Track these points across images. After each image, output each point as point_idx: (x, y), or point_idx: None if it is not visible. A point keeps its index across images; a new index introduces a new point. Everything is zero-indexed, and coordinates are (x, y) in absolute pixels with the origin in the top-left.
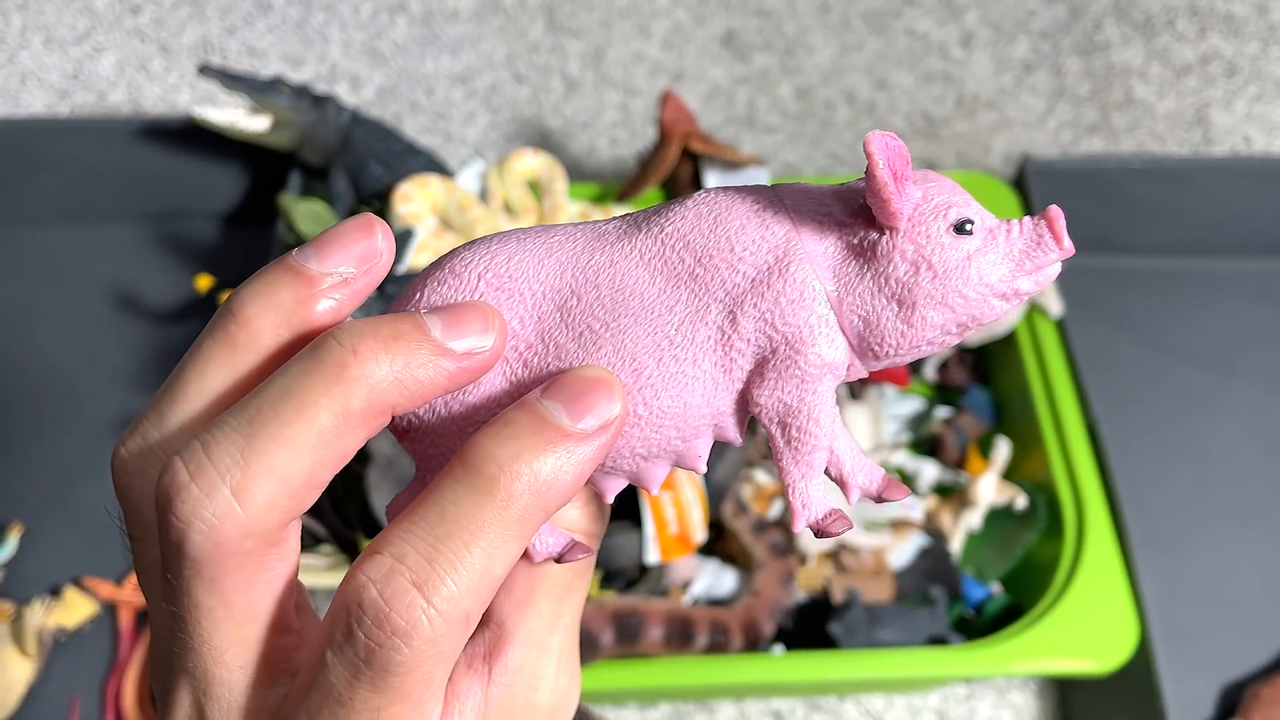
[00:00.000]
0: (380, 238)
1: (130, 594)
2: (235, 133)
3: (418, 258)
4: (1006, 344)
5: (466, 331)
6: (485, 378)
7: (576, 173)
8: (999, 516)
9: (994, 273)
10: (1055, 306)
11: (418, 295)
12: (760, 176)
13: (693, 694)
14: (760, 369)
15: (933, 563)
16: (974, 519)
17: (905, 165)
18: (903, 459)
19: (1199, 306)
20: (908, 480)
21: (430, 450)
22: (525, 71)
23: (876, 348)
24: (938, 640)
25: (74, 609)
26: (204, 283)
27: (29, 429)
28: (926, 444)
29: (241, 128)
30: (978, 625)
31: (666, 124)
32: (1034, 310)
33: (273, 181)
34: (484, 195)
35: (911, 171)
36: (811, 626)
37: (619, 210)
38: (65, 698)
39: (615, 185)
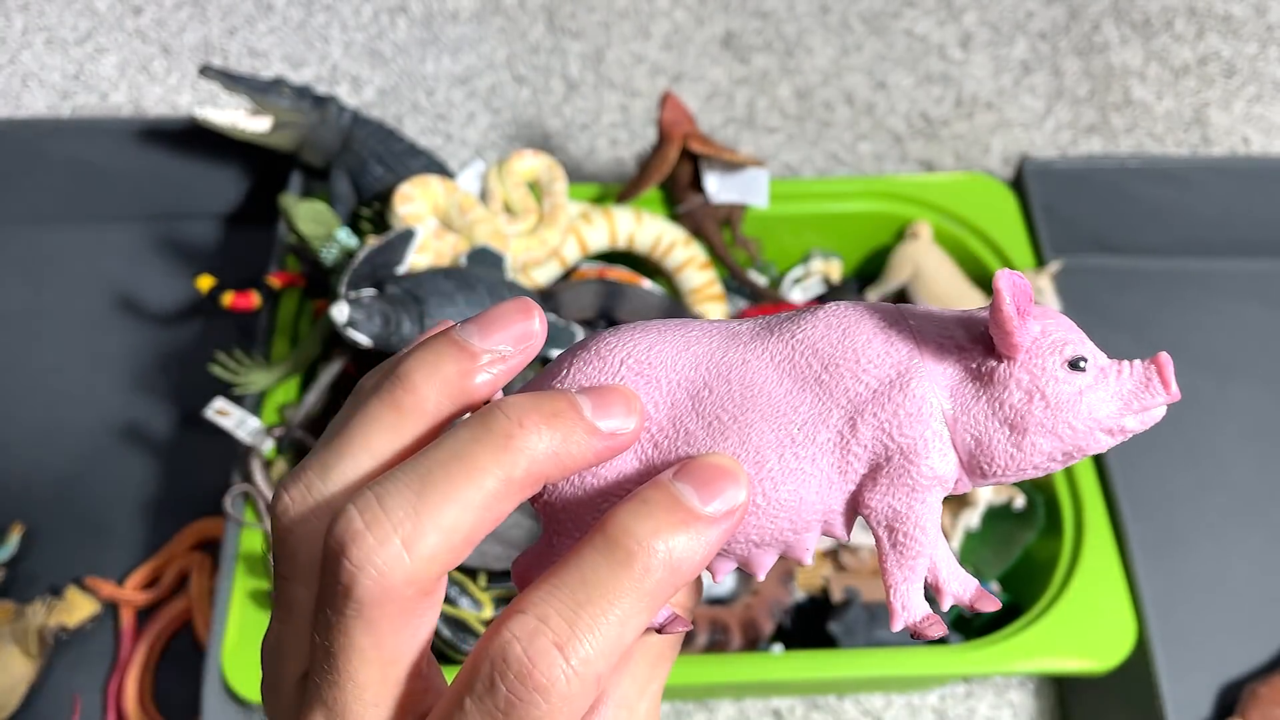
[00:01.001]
0: (537, 321)
1: (131, 594)
2: (236, 133)
3: (418, 258)
4: None
5: (613, 413)
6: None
7: (577, 173)
8: (997, 516)
9: (1102, 409)
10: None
11: (564, 372)
12: (760, 177)
13: (692, 693)
14: (874, 474)
15: None
16: (972, 518)
17: (1028, 301)
18: None
19: (1197, 306)
20: None
21: (561, 516)
22: (525, 72)
23: (985, 466)
24: (937, 639)
25: (75, 608)
26: (205, 283)
27: (30, 428)
28: None
29: (243, 128)
30: (976, 624)
31: (666, 125)
32: None
33: (274, 182)
34: (484, 196)
35: (1033, 307)
36: (811, 625)
37: (619, 211)
38: (67, 697)
39: (615, 186)
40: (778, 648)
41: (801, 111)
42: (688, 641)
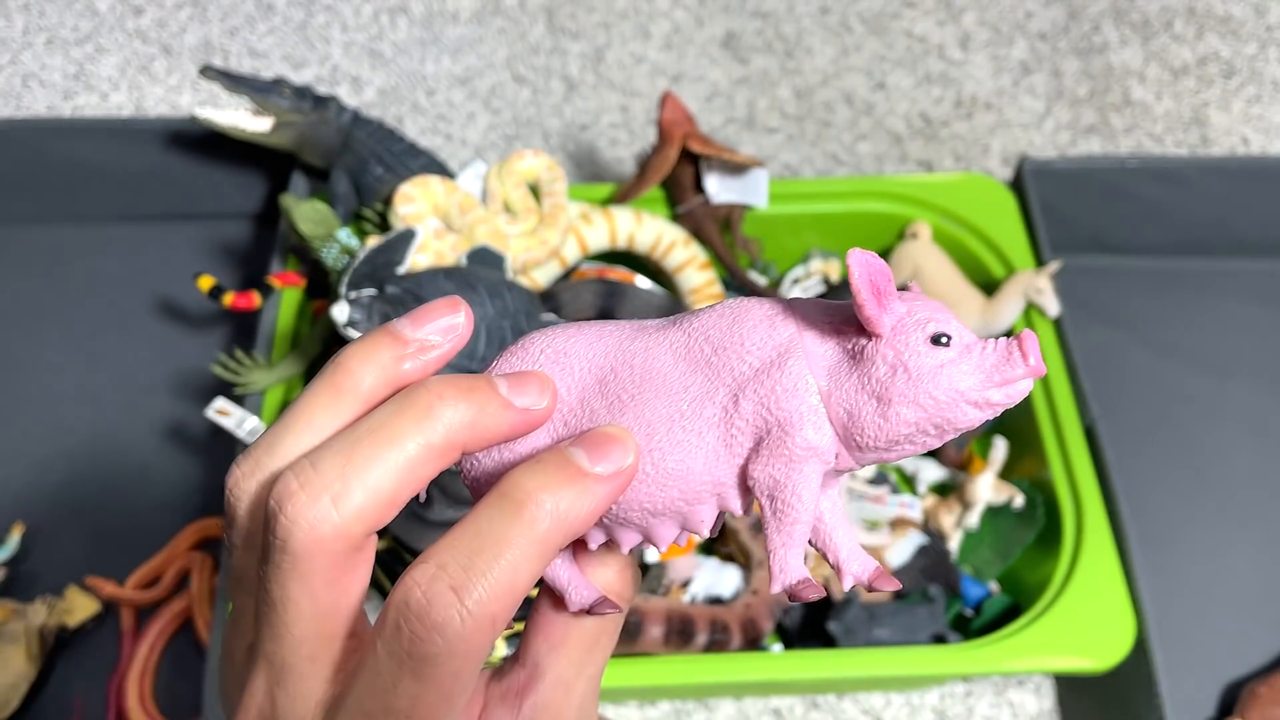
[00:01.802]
0: (463, 315)
1: (132, 593)
2: (237, 134)
3: (418, 258)
4: None
5: (527, 392)
6: (534, 432)
7: (577, 174)
8: (997, 516)
9: (965, 381)
10: (1053, 307)
11: (494, 364)
12: (760, 177)
13: (692, 692)
14: (757, 448)
15: (931, 562)
16: (972, 518)
17: (886, 280)
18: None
19: (1196, 306)
20: (906, 480)
21: (483, 489)
22: (525, 73)
23: (858, 437)
24: (936, 639)
25: (76, 608)
26: (205, 283)
27: (30, 428)
28: None
29: (243, 128)
30: (976, 624)
31: (666, 125)
32: (1032, 310)
33: (275, 182)
34: (485, 196)
35: (896, 289)
36: (810, 625)
37: (619, 211)
38: (68, 697)
39: (615, 186)
40: (777, 647)
41: (801, 112)
42: (688, 641)
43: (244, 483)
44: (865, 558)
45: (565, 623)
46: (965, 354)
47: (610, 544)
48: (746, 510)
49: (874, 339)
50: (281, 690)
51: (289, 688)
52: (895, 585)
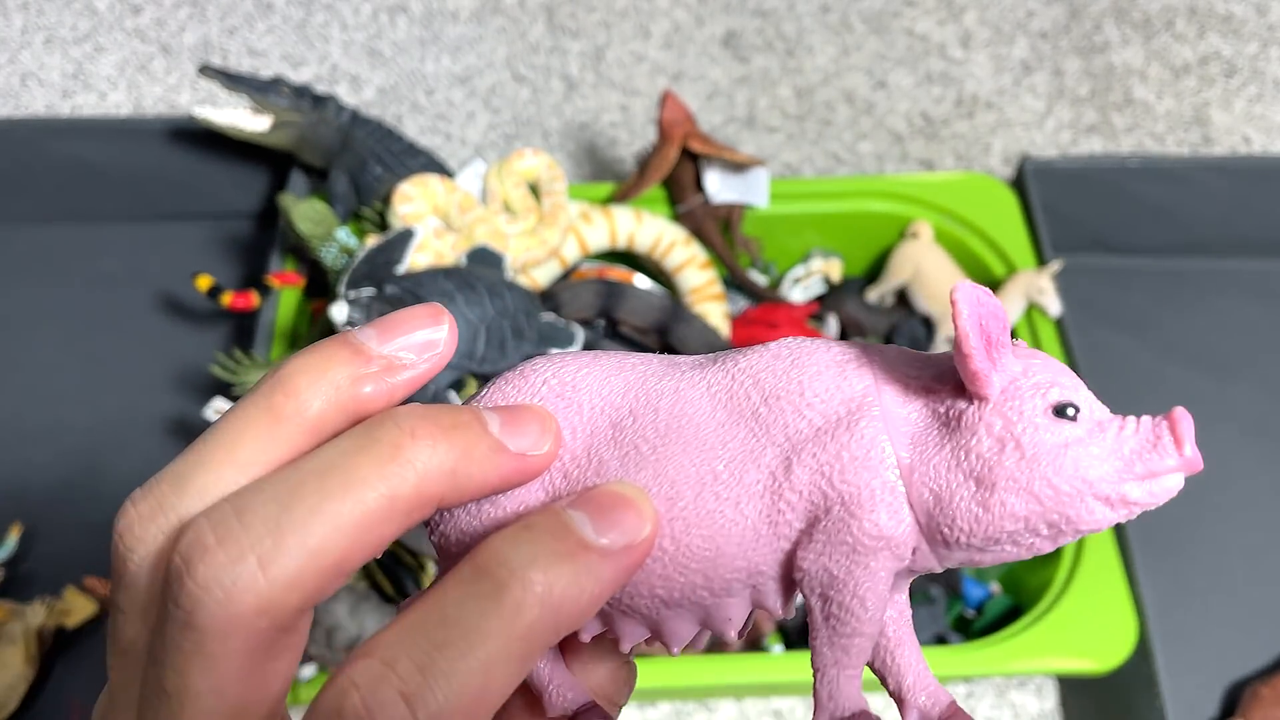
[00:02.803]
0: (446, 329)
1: None
2: (236, 133)
3: (417, 257)
4: None
5: (525, 432)
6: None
7: (577, 173)
8: None
9: (1095, 469)
10: (1054, 306)
11: (485, 392)
12: (761, 176)
13: (692, 693)
14: (810, 530)
15: None
16: None
17: (1001, 328)
18: None
19: (1198, 306)
20: None
21: (455, 553)
22: (525, 72)
23: (946, 530)
24: (937, 639)
25: (75, 609)
26: (204, 282)
27: (29, 428)
28: None
29: (242, 128)
30: (977, 625)
31: (666, 124)
32: (1033, 310)
33: (274, 181)
34: (484, 195)
35: (1012, 342)
36: None
37: (619, 211)
38: (65, 699)
39: (615, 186)
40: (778, 647)
41: (802, 111)
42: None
43: (139, 526)
44: (937, 688)
45: None
46: (1097, 432)
47: (607, 635)
48: (788, 611)
49: (977, 403)
50: None
51: None
52: None
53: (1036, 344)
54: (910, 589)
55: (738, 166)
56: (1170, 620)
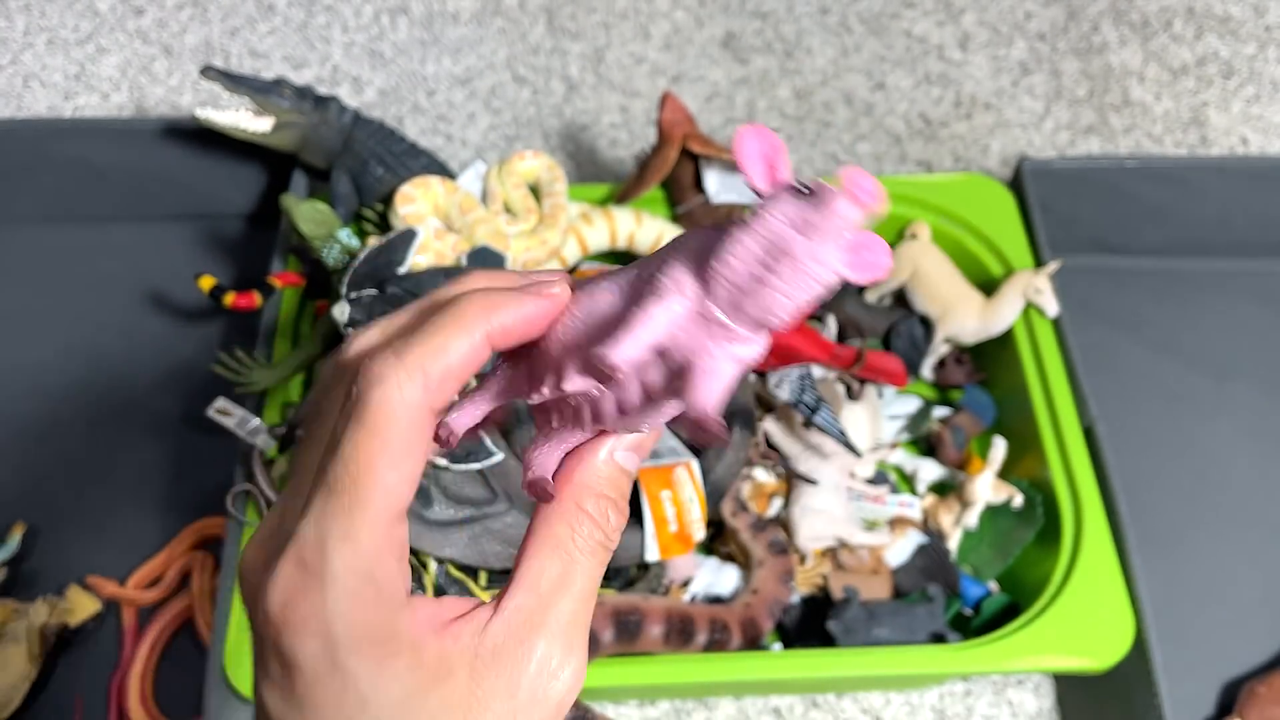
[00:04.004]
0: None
1: (133, 593)
2: (238, 134)
3: (419, 258)
4: (1004, 344)
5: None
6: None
7: (577, 174)
8: (996, 515)
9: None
10: (1052, 307)
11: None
12: None
13: (692, 691)
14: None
15: (930, 561)
16: (971, 518)
17: (779, 157)
18: (901, 458)
19: (1196, 307)
20: (906, 479)
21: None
22: (526, 73)
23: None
24: (936, 638)
25: (77, 607)
26: (206, 283)
27: (31, 427)
28: (925, 443)
29: (244, 129)
30: (975, 623)
31: (666, 125)
32: (1031, 310)
33: (276, 182)
34: (485, 196)
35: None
36: (810, 624)
37: (619, 211)
38: (69, 696)
39: (615, 186)
40: (777, 646)
41: (801, 112)
42: (688, 641)
43: (366, 350)
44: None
45: (555, 537)
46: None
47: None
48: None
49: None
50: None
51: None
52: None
53: (1035, 344)
54: (910, 588)
55: (737, 167)
56: (1168, 619)
